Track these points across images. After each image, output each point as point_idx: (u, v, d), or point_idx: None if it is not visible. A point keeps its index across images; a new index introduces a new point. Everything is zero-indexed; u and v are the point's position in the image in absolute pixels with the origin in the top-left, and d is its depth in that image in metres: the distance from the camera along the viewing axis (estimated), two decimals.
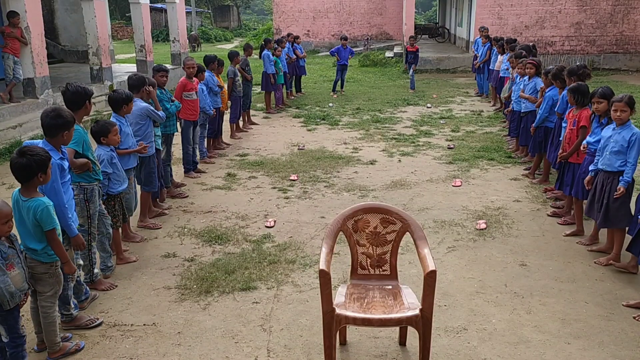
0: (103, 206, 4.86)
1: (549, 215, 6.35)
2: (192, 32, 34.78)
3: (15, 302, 3.34)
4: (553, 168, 6.95)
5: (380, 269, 4.00)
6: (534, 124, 7.40)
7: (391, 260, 3.99)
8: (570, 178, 5.97)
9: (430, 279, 3.36)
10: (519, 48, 10.34)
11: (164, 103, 6.49)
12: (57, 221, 3.60)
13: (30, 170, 3.47)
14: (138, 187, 6.01)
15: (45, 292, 3.71)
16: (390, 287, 3.90)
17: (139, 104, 5.73)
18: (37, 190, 3.60)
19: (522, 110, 8.18)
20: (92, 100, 4.66)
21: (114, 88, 12.52)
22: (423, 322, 3.38)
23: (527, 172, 7.86)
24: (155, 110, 5.98)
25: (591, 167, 5.29)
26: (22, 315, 3.57)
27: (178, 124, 7.38)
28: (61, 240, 3.75)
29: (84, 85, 4.49)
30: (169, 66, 16.17)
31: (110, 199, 5.06)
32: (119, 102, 5.30)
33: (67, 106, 4.31)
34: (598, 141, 5.36)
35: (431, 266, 3.42)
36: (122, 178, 5.10)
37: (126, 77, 14.18)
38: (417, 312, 3.40)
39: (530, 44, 11.96)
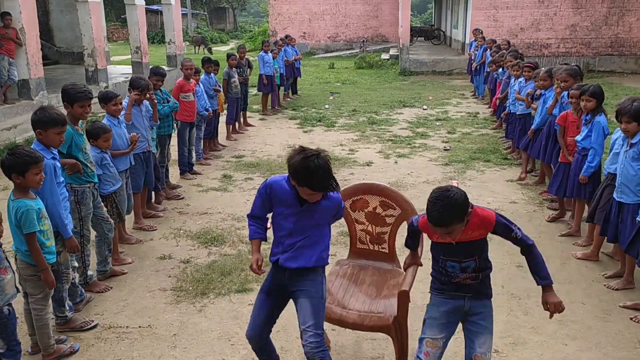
0: (105, 210, 4.82)
1: (548, 221, 6.25)
2: (200, 34, 34.33)
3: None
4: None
5: (380, 246, 4.02)
6: (533, 127, 7.29)
7: (389, 242, 3.99)
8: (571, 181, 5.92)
9: (403, 296, 3.34)
10: (509, 53, 10.36)
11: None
12: (37, 227, 3.52)
13: (3, 168, 3.46)
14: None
15: (36, 294, 3.67)
16: (387, 269, 3.92)
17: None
18: (29, 191, 3.56)
19: (518, 112, 8.17)
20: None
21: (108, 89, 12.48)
22: (397, 330, 3.38)
23: (535, 179, 7.71)
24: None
25: None
26: (17, 317, 3.54)
27: (175, 124, 7.32)
28: (54, 242, 3.72)
29: (73, 88, 4.40)
30: (165, 68, 16.11)
31: (102, 199, 5.01)
32: (100, 101, 5.28)
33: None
34: (584, 139, 5.46)
35: (406, 286, 3.36)
36: (114, 179, 5.04)
37: (121, 79, 14.26)
38: (389, 321, 3.38)
39: (513, 46, 12.10)
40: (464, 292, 3.11)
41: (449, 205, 2.78)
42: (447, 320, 3.10)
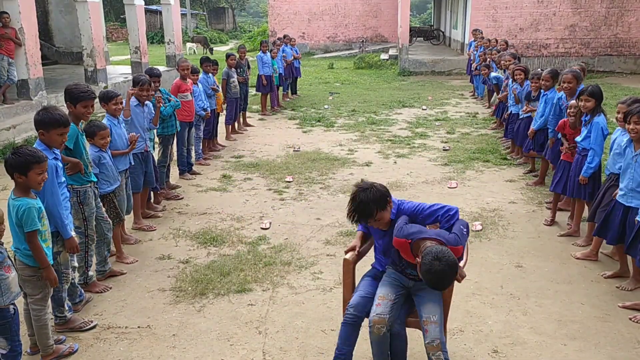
0: (103, 210, 4.82)
1: (545, 225, 6.16)
2: (200, 35, 34.18)
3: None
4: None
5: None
6: (534, 127, 7.26)
7: None
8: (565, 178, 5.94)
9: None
10: (507, 53, 10.40)
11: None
12: (39, 225, 3.51)
13: (6, 167, 3.46)
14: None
15: (35, 295, 3.66)
16: None
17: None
18: (30, 191, 3.56)
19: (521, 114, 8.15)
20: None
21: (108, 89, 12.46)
22: None
23: (535, 179, 7.69)
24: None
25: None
26: None
27: (177, 123, 7.29)
28: (51, 244, 3.71)
29: (76, 87, 4.39)
30: (164, 68, 16.13)
31: (100, 199, 5.00)
32: (100, 100, 5.28)
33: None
34: (584, 139, 5.45)
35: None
36: (112, 179, 5.03)
37: (120, 79, 14.24)
38: None
39: (511, 47, 12.16)
40: (410, 279, 3.45)
41: (452, 274, 2.97)
42: (399, 284, 3.46)
